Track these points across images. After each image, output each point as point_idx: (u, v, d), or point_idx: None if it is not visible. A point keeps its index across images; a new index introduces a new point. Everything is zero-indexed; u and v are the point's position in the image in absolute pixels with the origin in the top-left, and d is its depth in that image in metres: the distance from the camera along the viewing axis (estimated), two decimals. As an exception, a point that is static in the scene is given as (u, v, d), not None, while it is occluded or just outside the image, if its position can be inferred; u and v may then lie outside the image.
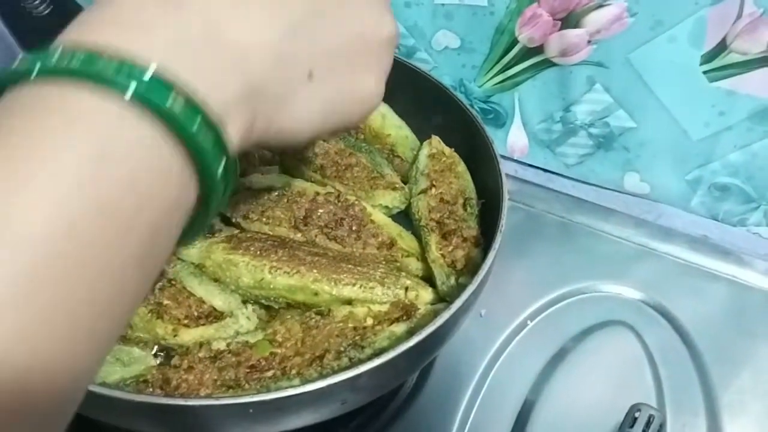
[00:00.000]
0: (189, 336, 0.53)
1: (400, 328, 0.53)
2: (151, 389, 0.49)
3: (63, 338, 0.25)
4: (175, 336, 0.53)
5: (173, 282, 0.54)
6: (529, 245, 0.78)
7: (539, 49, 0.75)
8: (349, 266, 0.57)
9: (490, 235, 0.56)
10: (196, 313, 0.53)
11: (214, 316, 0.54)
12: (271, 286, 0.56)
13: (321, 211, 0.61)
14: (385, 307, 0.55)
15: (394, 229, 0.62)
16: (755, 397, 0.66)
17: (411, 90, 0.70)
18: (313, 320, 0.53)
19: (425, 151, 0.66)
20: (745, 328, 0.71)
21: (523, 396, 0.64)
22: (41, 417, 0.25)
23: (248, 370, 0.50)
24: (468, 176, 0.65)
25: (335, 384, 0.44)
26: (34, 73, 0.27)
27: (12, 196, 0.24)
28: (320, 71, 0.36)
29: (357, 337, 0.52)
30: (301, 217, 0.61)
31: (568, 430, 0.62)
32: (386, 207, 0.64)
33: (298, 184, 0.63)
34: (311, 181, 0.64)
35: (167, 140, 0.28)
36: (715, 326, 0.71)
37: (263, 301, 0.57)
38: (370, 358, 0.45)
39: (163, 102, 0.27)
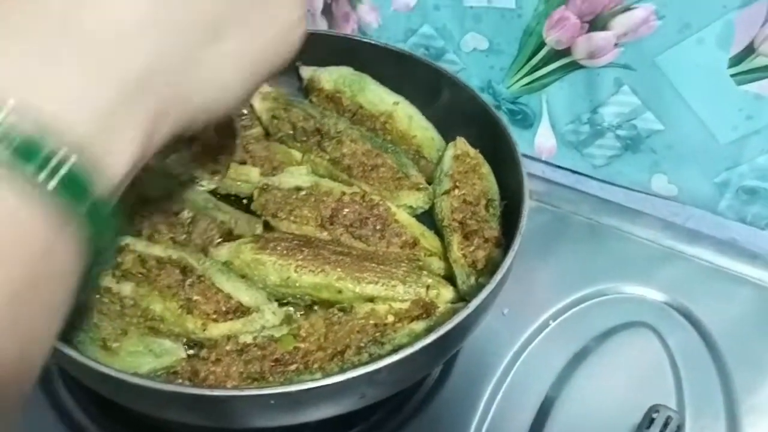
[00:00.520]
0: (217, 330, 0.55)
1: (419, 326, 0.54)
2: (180, 380, 0.52)
3: None
4: (204, 330, 0.55)
5: (202, 279, 0.57)
6: (555, 246, 0.78)
7: (567, 52, 0.75)
8: (373, 265, 0.59)
9: (511, 236, 0.57)
10: (224, 309, 0.56)
11: (241, 311, 0.56)
12: (297, 284, 0.58)
13: (347, 210, 0.63)
14: (406, 305, 0.56)
15: (417, 229, 0.63)
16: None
17: (438, 92, 0.71)
18: (336, 316, 0.55)
19: (450, 152, 0.67)
20: (769, 332, 0.71)
21: (543, 394, 0.65)
22: None
23: (273, 364, 0.52)
24: (492, 178, 0.66)
25: (354, 378, 0.45)
26: None
27: None
28: (223, 25, 0.31)
29: (377, 334, 0.54)
30: (328, 216, 0.63)
31: (586, 429, 0.63)
32: (410, 207, 0.66)
33: (325, 183, 0.65)
34: (338, 181, 0.66)
35: (15, 195, 0.24)
36: (740, 330, 0.70)
37: (290, 298, 0.59)
38: (389, 354, 0.47)
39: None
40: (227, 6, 0.31)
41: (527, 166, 0.61)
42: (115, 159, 0.27)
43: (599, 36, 0.72)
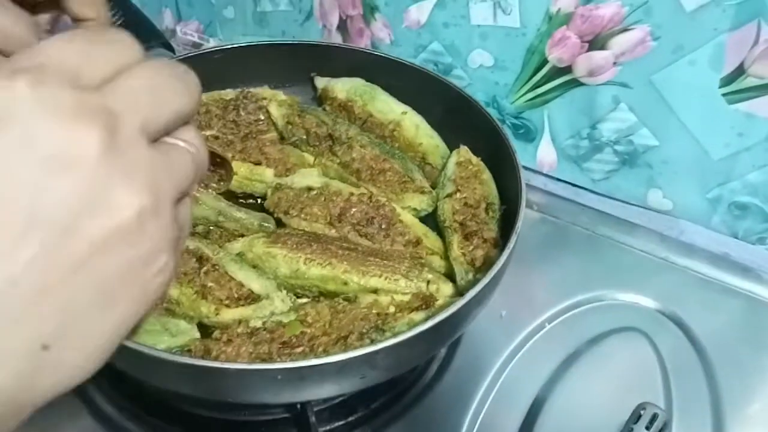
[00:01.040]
0: (229, 315, 0.59)
1: (419, 316, 0.58)
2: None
3: None
4: (217, 315, 0.59)
5: (217, 267, 0.61)
6: (554, 254, 0.82)
7: (568, 69, 0.79)
8: (377, 260, 0.63)
9: (509, 237, 0.60)
10: (236, 295, 0.60)
11: (252, 298, 0.60)
12: (306, 276, 0.62)
13: (354, 209, 0.67)
14: (407, 297, 0.60)
15: (420, 229, 0.67)
16: (764, 408, 0.68)
17: (444, 103, 0.75)
18: (341, 305, 0.59)
19: (454, 159, 0.71)
20: (759, 342, 0.73)
21: (536, 392, 0.68)
22: None
23: (280, 346, 0.55)
24: (492, 184, 0.70)
25: (355, 357, 0.49)
26: None
27: None
28: (55, 335, 0.26)
29: (379, 322, 0.57)
30: (336, 215, 0.66)
31: (576, 426, 0.66)
32: (415, 209, 0.70)
33: (335, 184, 0.69)
34: (347, 183, 0.70)
35: None
36: (729, 339, 0.73)
37: (298, 290, 0.63)
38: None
39: None
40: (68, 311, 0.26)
41: (529, 179, 0.65)
42: None
43: (599, 55, 0.76)
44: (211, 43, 1.03)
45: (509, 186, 0.68)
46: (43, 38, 0.41)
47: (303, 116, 0.75)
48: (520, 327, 0.73)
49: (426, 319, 0.57)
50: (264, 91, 0.79)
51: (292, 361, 0.50)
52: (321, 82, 0.80)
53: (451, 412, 0.66)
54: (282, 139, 0.76)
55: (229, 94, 0.78)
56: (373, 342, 0.56)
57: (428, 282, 0.61)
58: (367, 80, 0.79)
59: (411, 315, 0.58)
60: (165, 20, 1.08)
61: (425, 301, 0.59)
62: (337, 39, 0.94)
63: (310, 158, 0.74)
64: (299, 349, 0.55)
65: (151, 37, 0.86)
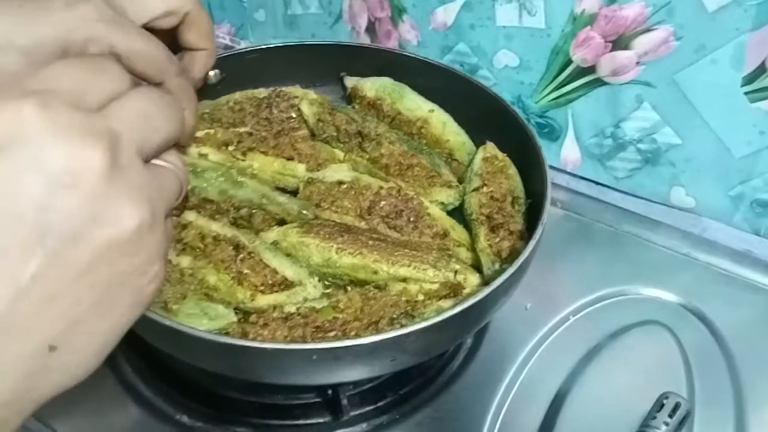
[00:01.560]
0: (264, 301, 0.61)
1: (447, 304, 0.60)
2: (231, 340, 0.58)
3: None
4: (252, 300, 0.61)
5: (252, 255, 0.63)
6: (577, 250, 0.83)
7: (592, 69, 0.81)
8: (406, 250, 0.65)
9: (534, 229, 0.62)
10: (270, 282, 0.62)
11: (286, 284, 0.62)
12: (337, 265, 0.64)
13: (383, 203, 0.69)
14: (435, 286, 0.62)
15: (447, 222, 0.69)
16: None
17: (471, 102, 0.78)
18: (372, 292, 0.61)
19: (480, 154, 0.73)
20: (781, 337, 0.75)
21: (560, 382, 0.69)
22: None
23: (314, 330, 0.58)
24: (518, 179, 0.72)
25: (386, 339, 0.51)
26: None
27: None
28: (61, 338, 0.28)
29: (409, 308, 0.59)
30: (366, 208, 0.69)
31: (599, 416, 0.67)
32: (442, 203, 0.72)
33: (365, 179, 0.71)
34: (376, 178, 0.72)
35: None
36: (751, 333, 0.74)
37: (330, 278, 0.65)
38: (418, 325, 0.53)
39: None
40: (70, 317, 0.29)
41: (553, 177, 0.67)
42: None
43: (622, 55, 0.78)
44: (242, 46, 1.06)
45: (534, 181, 0.70)
46: None
47: (333, 114, 0.78)
48: (545, 319, 0.75)
49: (453, 307, 0.59)
50: (296, 90, 0.82)
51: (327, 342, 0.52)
52: (350, 81, 0.83)
53: (477, 400, 0.68)
54: (313, 136, 0.79)
55: (262, 92, 0.81)
56: (403, 327, 0.58)
57: (456, 272, 0.63)
58: (395, 80, 0.82)
59: (439, 302, 0.60)
60: (198, 24, 1.11)
61: (453, 290, 0.61)
62: (365, 41, 0.96)
63: (341, 154, 0.76)
64: (332, 333, 0.58)
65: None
